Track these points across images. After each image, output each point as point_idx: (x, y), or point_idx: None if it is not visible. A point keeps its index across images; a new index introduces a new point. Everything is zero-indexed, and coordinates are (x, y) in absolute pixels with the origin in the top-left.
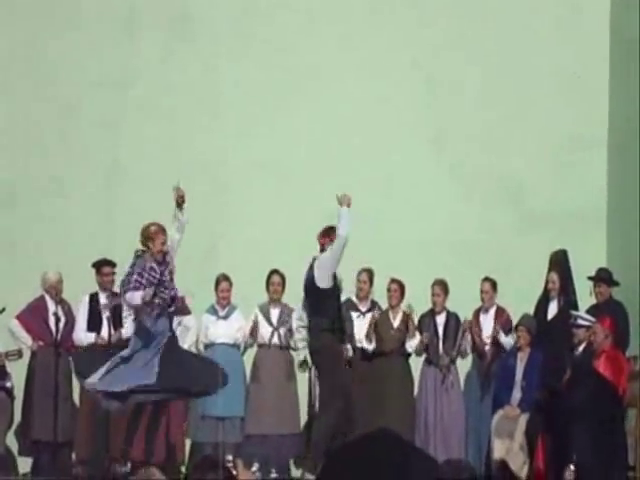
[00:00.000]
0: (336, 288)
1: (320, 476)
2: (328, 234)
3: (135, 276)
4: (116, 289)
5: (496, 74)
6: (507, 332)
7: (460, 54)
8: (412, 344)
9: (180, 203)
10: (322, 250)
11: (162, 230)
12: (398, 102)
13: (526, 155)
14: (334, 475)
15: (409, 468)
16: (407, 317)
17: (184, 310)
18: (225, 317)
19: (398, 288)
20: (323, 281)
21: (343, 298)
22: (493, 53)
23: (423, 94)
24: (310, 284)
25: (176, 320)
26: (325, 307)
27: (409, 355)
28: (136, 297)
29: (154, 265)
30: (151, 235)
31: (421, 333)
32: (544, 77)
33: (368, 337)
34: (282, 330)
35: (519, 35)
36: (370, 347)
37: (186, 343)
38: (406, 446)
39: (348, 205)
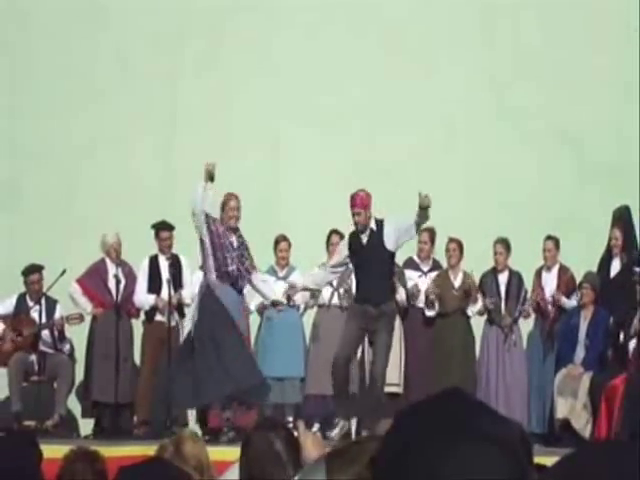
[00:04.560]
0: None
1: (387, 437)
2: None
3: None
4: (175, 251)
5: (556, 23)
6: (570, 292)
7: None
8: (474, 309)
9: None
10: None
11: (233, 197)
12: (456, 53)
13: (587, 106)
14: (402, 435)
15: (480, 427)
16: (469, 280)
17: None
18: (284, 278)
19: (457, 247)
20: (390, 245)
21: (405, 257)
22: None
23: (481, 46)
24: (379, 244)
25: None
26: (391, 269)
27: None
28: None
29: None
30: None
31: (483, 293)
32: (606, 27)
33: (428, 304)
34: (342, 290)
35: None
36: (432, 313)
37: (253, 303)
38: (477, 405)
39: (428, 207)
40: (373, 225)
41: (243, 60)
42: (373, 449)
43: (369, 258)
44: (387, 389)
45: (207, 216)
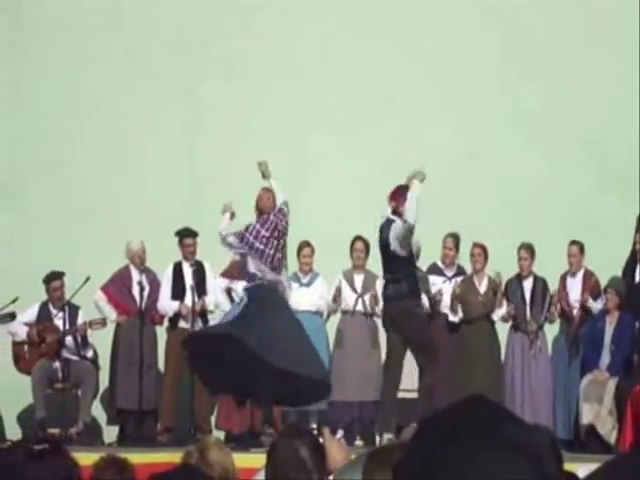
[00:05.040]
0: (412, 255)
1: (411, 445)
2: (398, 195)
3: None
4: (198, 258)
5: (583, 31)
6: (595, 297)
7: (540, 10)
8: (499, 313)
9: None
10: (394, 212)
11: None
12: (477, 61)
13: (610, 111)
14: (426, 442)
15: (507, 436)
16: (494, 285)
17: None
18: (308, 284)
19: (482, 252)
20: (397, 249)
21: (429, 263)
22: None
23: (502, 52)
24: (386, 247)
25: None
26: (404, 272)
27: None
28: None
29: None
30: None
31: (508, 299)
32: (626, 29)
33: (452, 309)
34: (366, 297)
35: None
36: (455, 319)
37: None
38: (502, 412)
39: (421, 181)
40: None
41: (266, 66)
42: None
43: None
44: (411, 395)
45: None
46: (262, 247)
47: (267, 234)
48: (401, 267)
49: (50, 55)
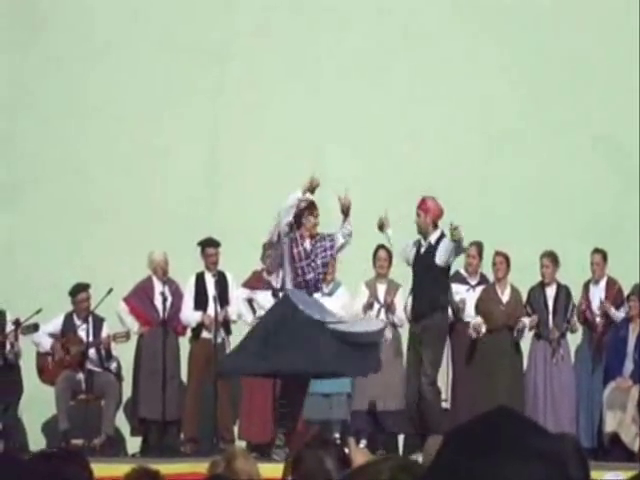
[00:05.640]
0: (449, 267)
1: (437, 458)
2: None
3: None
4: (221, 268)
5: (603, 34)
6: (619, 305)
7: (554, 10)
8: (522, 325)
9: (346, 212)
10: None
11: (314, 205)
12: (500, 62)
13: (634, 117)
14: (452, 454)
15: (532, 447)
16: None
17: None
18: (330, 294)
19: (504, 261)
20: (441, 260)
21: (452, 271)
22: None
23: (517, 57)
24: (430, 259)
25: None
26: (442, 284)
27: None
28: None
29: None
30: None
31: (531, 306)
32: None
33: (475, 329)
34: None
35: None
36: (480, 336)
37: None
38: (527, 423)
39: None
40: (433, 239)
41: (283, 78)
42: (389, 468)
43: (419, 271)
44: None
45: (291, 226)
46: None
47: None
48: None
49: (54, 54)
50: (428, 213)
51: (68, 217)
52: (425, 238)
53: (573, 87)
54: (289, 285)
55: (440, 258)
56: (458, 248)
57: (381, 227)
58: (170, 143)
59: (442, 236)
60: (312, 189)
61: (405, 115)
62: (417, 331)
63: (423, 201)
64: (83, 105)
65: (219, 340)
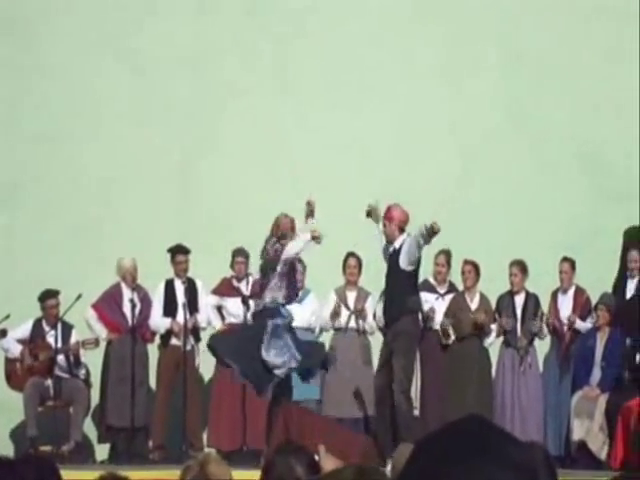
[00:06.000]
0: (416, 271)
1: (407, 467)
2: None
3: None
4: (190, 275)
5: (577, 40)
6: (586, 314)
7: (534, 23)
8: (489, 340)
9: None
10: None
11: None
12: (475, 73)
13: (603, 128)
14: (423, 463)
15: (503, 455)
16: (483, 315)
17: None
18: (299, 301)
19: (472, 269)
20: (404, 262)
21: (421, 280)
22: (568, 23)
23: (497, 69)
24: (396, 264)
25: None
26: (408, 288)
27: None
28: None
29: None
30: (282, 227)
31: (500, 314)
32: (625, 51)
33: (445, 334)
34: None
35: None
36: (449, 342)
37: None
38: (497, 431)
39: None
40: (398, 243)
41: (263, 87)
42: (350, 473)
43: (387, 276)
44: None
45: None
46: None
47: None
48: None
49: (43, 67)
50: (393, 221)
51: (38, 224)
52: (390, 245)
53: (549, 98)
54: (281, 299)
55: (403, 261)
56: (427, 237)
57: (369, 214)
58: (141, 149)
59: (405, 239)
60: (315, 238)
61: (379, 123)
62: (389, 338)
63: (388, 210)
64: (55, 111)
65: (188, 347)
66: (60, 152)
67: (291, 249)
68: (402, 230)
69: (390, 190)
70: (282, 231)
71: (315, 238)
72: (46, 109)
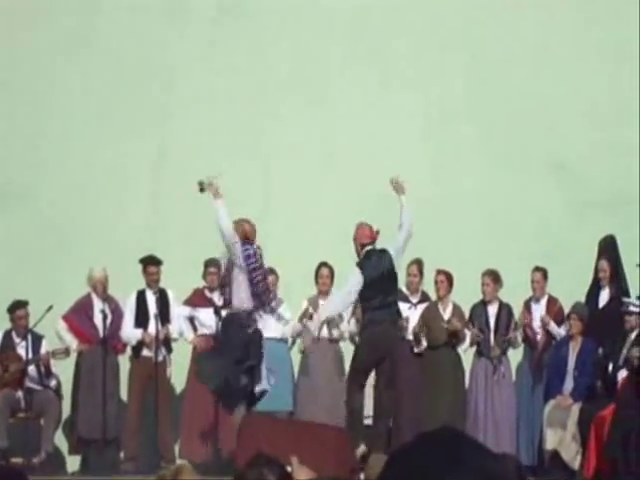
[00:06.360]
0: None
1: (383, 477)
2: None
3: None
4: (162, 286)
5: (549, 49)
6: (559, 322)
7: (504, 37)
8: (463, 347)
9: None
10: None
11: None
12: (447, 82)
13: (577, 138)
14: (397, 474)
15: (476, 468)
16: (456, 323)
17: None
18: (272, 311)
19: (445, 279)
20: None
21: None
22: (539, 37)
23: (469, 79)
24: (392, 273)
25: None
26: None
27: None
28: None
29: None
30: (248, 234)
31: (473, 324)
32: (592, 62)
33: (417, 340)
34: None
35: (564, 20)
36: (421, 349)
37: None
38: (469, 442)
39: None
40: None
41: (232, 94)
42: None
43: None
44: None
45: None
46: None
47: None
48: None
49: (16, 80)
50: (355, 241)
51: (7, 234)
52: None
53: (523, 110)
54: (249, 306)
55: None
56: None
57: (397, 189)
58: (113, 160)
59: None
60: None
61: (351, 134)
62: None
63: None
64: (29, 124)
65: (160, 358)
66: (28, 162)
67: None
68: (363, 246)
69: (362, 200)
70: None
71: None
72: (12, 117)
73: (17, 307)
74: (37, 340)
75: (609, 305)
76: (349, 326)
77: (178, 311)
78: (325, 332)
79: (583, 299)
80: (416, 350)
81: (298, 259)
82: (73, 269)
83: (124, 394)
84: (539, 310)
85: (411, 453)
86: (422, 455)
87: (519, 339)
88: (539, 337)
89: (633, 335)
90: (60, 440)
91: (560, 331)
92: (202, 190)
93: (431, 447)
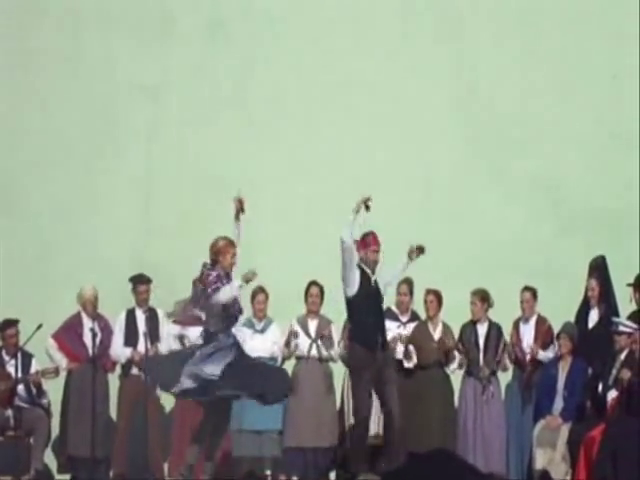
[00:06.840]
0: (362, 297)
1: None
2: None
3: (214, 280)
4: (152, 305)
5: (534, 75)
6: (548, 343)
7: (500, 55)
8: (453, 366)
9: (237, 214)
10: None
11: (231, 243)
12: (435, 105)
13: (566, 157)
14: None
15: None
16: (448, 342)
17: None
18: (262, 330)
19: (435, 299)
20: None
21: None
22: (532, 54)
23: (461, 96)
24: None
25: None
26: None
27: None
28: (223, 293)
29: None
30: (221, 250)
31: (463, 345)
32: (582, 78)
33: (406, 356)
34: (320, 342)
35: (558, 37)
36: (410, 365)
37: None
38: (461, 464)
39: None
40: None
41: (218, 113)
42: None
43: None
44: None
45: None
46: None
47: None
48: None
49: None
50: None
51: None
52: None
53: (510, 126)
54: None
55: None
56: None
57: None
58: (103, 179)
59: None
60: (248, 280)
61: (342, 154)
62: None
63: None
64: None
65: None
66: (16, 179)
67: (222, 296)
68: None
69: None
70: (214, 253)
71: (248, 281)
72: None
73: (7, 325)
74: (27, 358)
75: (599, 325)
76: (339, 349)
77: (168, 329)
78: (314, 351)
79: (573, 319)
80: (406, 365)
81: (288, 277)
82: (63, 288)
83: (113, 412)
84: (528, 330)
85: (403, 475)
86: (414, 477)
87: (508, 364)
88: (528, 357)
89: (623, 355)
90: (49, 458)
91: (548, 355)
92: (248, 281)
93: (424, 469)
